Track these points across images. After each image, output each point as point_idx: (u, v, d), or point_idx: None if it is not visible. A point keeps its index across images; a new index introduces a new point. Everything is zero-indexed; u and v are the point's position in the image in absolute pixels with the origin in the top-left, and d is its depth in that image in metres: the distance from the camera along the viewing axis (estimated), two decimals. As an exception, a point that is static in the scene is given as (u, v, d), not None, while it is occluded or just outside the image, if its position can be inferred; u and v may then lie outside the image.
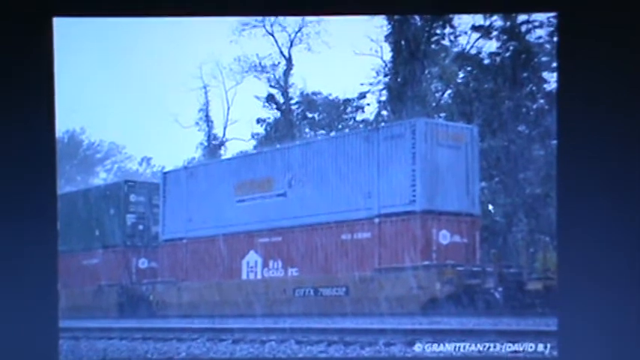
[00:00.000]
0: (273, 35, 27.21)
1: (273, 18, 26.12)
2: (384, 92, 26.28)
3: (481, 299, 17.22)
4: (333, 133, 26.95)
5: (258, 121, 28.25)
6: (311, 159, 19.97)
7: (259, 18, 25.99)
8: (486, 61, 24.21)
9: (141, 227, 23.40)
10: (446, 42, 25.14)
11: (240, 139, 28.99)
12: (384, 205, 18.64)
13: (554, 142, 10.87)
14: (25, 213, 9.39)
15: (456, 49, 25.03)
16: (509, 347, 12.94)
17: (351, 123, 27.76)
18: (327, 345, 14.78)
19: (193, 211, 22.09)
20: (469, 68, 24.79)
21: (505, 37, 23.78)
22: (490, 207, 22.59)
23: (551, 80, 22.48)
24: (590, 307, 9.67)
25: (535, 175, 22.23)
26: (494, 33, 23.99)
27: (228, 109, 28.86)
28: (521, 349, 12.82)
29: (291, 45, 27.41)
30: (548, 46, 22.68)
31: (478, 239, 18.76)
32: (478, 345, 13.15)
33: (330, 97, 28.24)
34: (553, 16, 19.69)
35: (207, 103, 28.94)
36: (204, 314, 20.05)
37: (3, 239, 9.54)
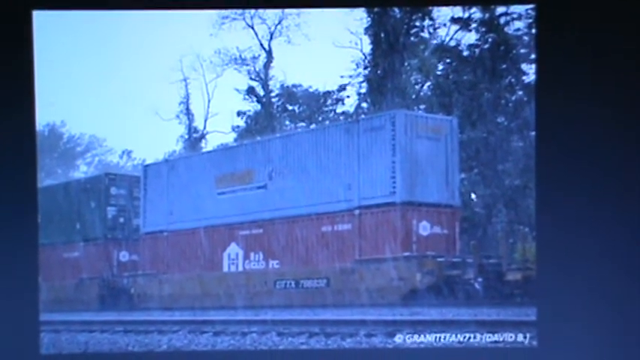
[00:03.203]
0: (253, 28, 27.19)
1: (252, 11, 26.10)
2: (364, 84, 26.31)
3: (461, 290, 17.29)
4: (313, 126, 26.97)
5: (239, 113, 28.23)
6: (291, 151, 19.99)
7: (239, 11, 25.96)
8: (465, 53, 24.26)
9: (122, 220, 23.38)
10: (425, 34, 25.18)
11: (220, 132, 28.97)
12: (364, 196, 18.69)
13: (533, 133, 10.94)
14: (6, 206, 9.39)
15: (435, 42, 25.07)
16: (489, 337, 12.99)
17: (331, 115, 27.78)
18: (308, 337, 14.82)
19: (174, 203, 22.09)
20: (448, 60, 24.84)
21: (484, 29, 23.82)
22: (473, 196, 22.66)
23: (529, 72, 22.55)
24: (569, 296, 9.75)
25: (514, 167, 22.32)
26: (473, 25, 24.04)
27: (209, 101, 28.83)
28: (501, 339, 12.87)
29: (271, 37, 27.41)
30: (526, 38, 22.75)
31: (458, 230, 18.83)
32: (458, 335, 13.18)
33: (311, 90, 28.24)
34: (531, 8, 19.76)
35: (187, 96, 28.90)
36: (186, 306, 20.06)
37: (-17, 232, 9.52)
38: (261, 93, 28.15)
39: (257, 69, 27.95)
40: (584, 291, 9.81)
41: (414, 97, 25.31)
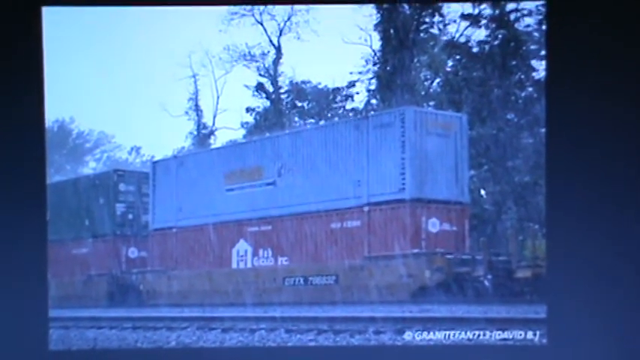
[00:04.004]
0: (262, 24, 27.17)
1: (262, 7, 26.10)
2: (374, 81, 26.30)
3: (470, 287, 17.25)
4: (322, 122, 26.95)
5: (248, 110, 28.24)
6: (300, 148, 19.97)
7: (248, 7, 25.96)
8: (475, 50, 24.23)
9: (130, 216, 23.39)
10: (435, 30, 25.15)
11: (229, 128, 28.98)
12: (373, 193, 18.65)
13: (543, 130, 10.90)
14: (15, 202, 9.39)
15: (445, 38, 25.04)
16: (499, 335, 12.96)
17: (340, 112, 27.77)
18: (316, 334, 14.81)
19: (183, 200, 22.08)
20: (458, 57, 24.80)
21: (494, 25, 23.79)
22: (482, 192, 22.63)
23: (539, 68, 22.51)
24: (579, 294, 9.71)
25: (524, 163, 22.26)
26: (483, 21, 24.00)
27: (218, 98, 28.86)
28: (510, 336, 12.85)
29: (281, 34, 27.39)
30: (536, 34, 22.71)
31: (467, 227, 18.78)
32: (468, 333, 13.17)
33: (320, 86, 28.24)
34: (541, 4, 19.71)
35: (196, 92, 28.94)
36: (194, 303, 20.05)
37: (-7, 229, 9.52)
38: (271, 89, 28.15)
39: (266, 65, 27.96)
40: (595, 288, 9.77)
41: (423, 93, 25.28)
